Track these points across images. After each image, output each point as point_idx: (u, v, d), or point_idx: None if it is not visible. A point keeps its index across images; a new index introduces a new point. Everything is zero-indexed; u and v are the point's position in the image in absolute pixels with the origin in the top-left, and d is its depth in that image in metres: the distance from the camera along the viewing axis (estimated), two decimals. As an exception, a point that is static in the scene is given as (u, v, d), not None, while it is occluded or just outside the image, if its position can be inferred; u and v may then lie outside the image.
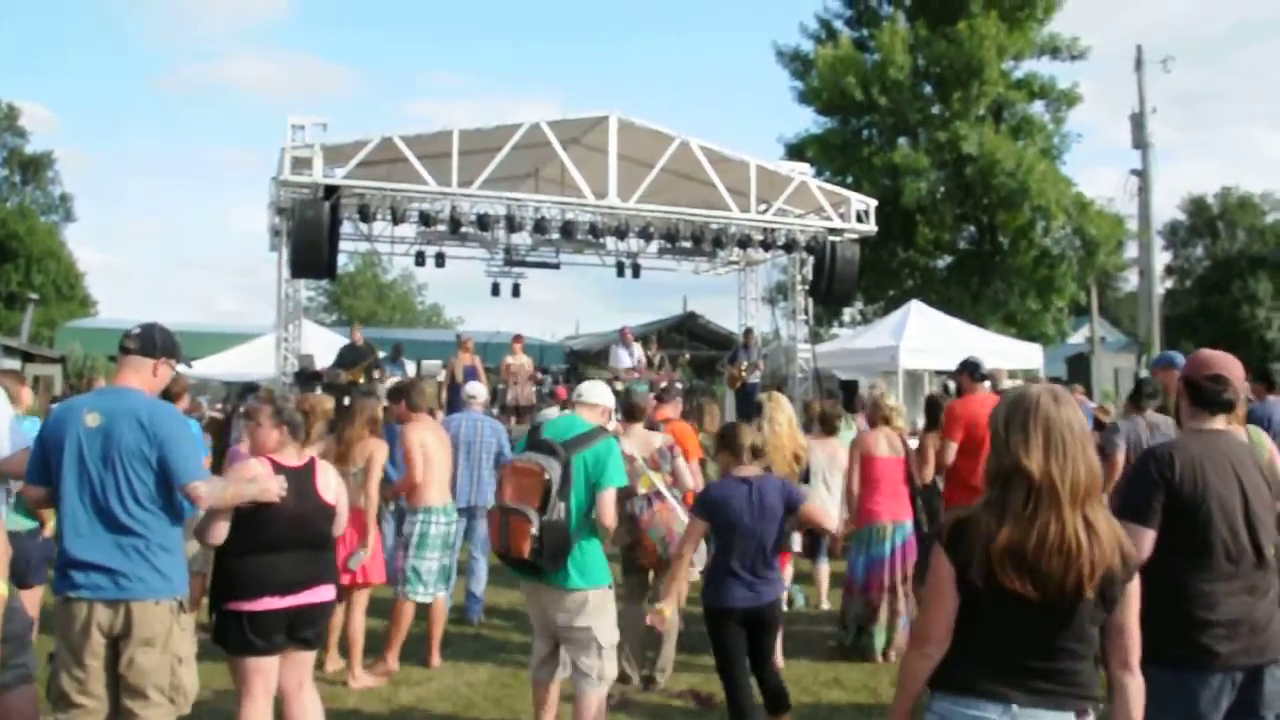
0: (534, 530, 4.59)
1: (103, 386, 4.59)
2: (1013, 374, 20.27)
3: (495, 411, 15.63)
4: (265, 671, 4.41)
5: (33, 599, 5.56)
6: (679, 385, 14.19)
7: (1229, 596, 3.36)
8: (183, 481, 4.00)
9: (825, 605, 8.42)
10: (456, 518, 6.99)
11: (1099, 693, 2.70)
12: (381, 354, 16.31)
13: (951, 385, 11.71)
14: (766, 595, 5.04)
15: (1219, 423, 3.57)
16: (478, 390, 8.58)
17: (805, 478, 7.47)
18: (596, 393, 5.30)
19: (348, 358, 15.39)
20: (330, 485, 4.61)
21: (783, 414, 7.03)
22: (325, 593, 4.53)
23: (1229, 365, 3.60)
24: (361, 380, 14.66)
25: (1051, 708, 2.60)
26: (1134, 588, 2.68)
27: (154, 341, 4.27)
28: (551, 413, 10.05)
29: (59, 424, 4.09)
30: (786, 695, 5.23)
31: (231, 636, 4.30)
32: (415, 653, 6.83)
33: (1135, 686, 2.74)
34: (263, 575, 4.30)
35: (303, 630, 4.47)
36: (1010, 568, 2.54)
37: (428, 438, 6.82)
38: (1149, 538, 3.35)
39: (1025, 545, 2.54)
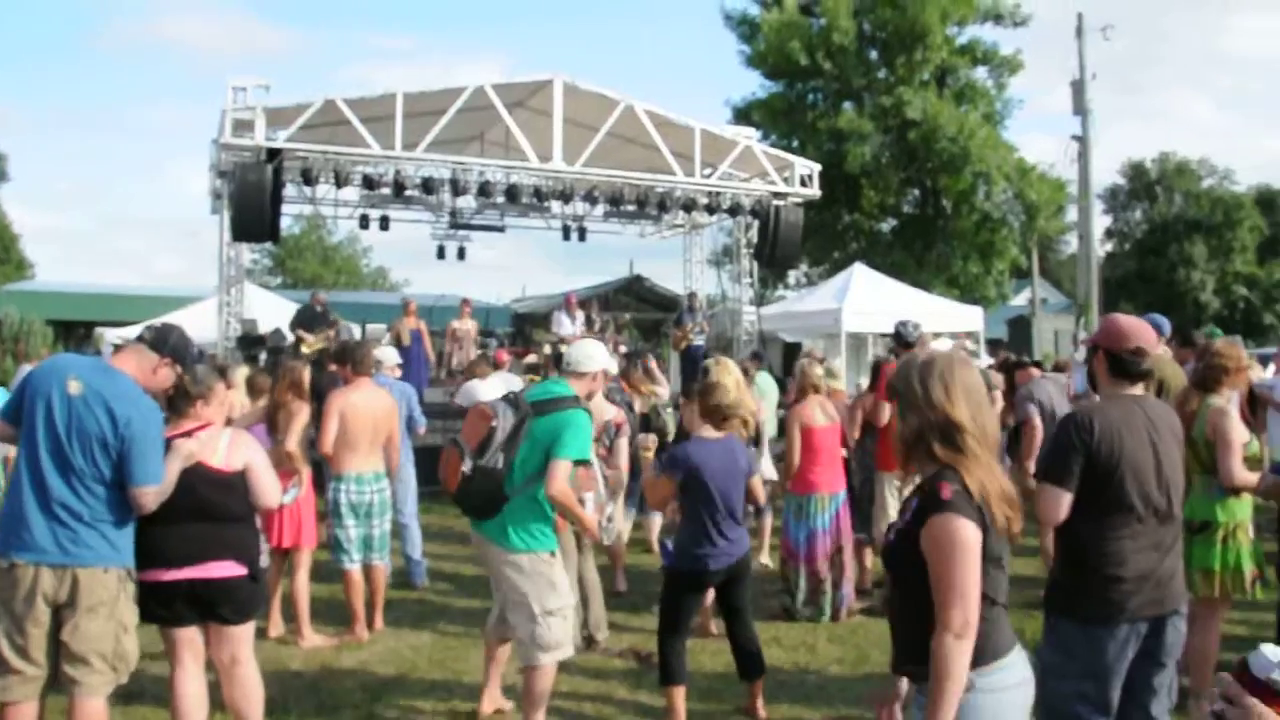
0: (465, 469, 4.66)
1: (101, 360, 4.54)
2: (954, 336, 20.68)
3: (442, 375, 15.66)
4: (186, 641, 4.39)
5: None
6: (622, 349, 14.26)
7: (1137, 553, 3.52)
8: (134, 484, 4.00)
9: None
10: (379, 486, 6.86)
11: None
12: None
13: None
14: (736, 552, 5.20)
15: (1138, 388, 3.73)
16: (387, 355, 8.54)
17: (755, 441, 7.57)
18: (587, 358, 5.10)
19: (308, 323, 14.87)
20: (218, 450, 4.36)
21: (730, 377, 7.04)
22: (225, 568, 4.34)
23: (1145, 334, 3.74)
24: (317, 347, 14.35)
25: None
26: None
27: (165, 340, 4.27)
28: (474, 385, 10.05)
29: (46, 375, 4.08)
30: (761, 660, 5.39)
31: (142, 605, 4.25)
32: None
33: None
34: (150, 547, 4.21)
35: (215, 607, 4.37)
36: (1010, 511, 2.67)
37: (355, 403, 6.74)
38: (1066, 499, 3.51)
39: (1004, 492, 2.67)
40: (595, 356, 5.15)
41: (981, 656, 2.62)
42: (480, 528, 4.85)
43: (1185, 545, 4.58)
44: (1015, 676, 2.71)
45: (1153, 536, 3.56)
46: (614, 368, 6.07)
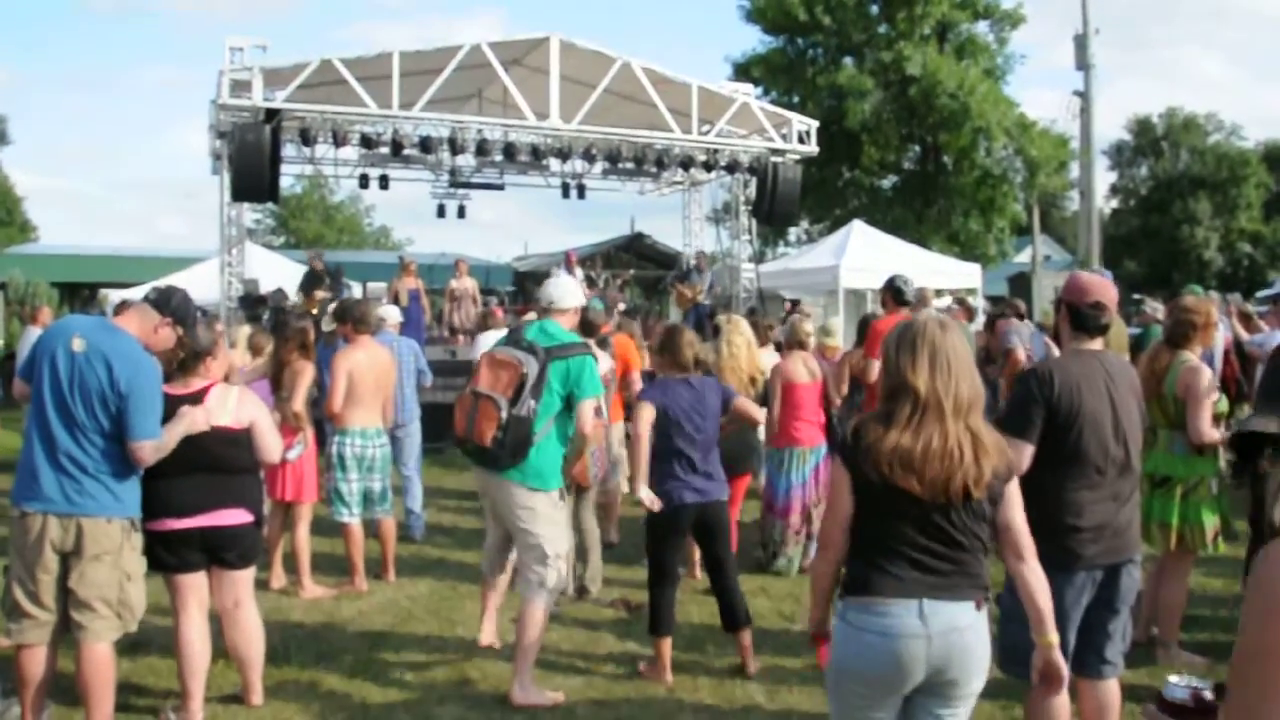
0: (502, 418, 4.76)
1: (105, 319, 4.73)
2: (954, 293, 20.75)
3: (444, 333, 15.80)
4: (192, 587, 4.60)
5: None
6: (622, 305, 14.35)
7: (1095, 504, 3.67)
8: (132, 438, 4.17)
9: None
10: (381, 441, 7.03)
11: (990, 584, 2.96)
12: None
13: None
14: (712, 492, 5.30)
15: (1096, 343, 3.85)
16: (390, 313, 8.72)
17: (763, 400, 7.66)
18: (568, 295, 5.31)
19: (306, 285, 15.06)
20: (228, 408, 4.61)
21: (740, 336, 7.14)
22: (234, 516, 4.62)
23: (1106, 291, 3.86)
24: (315, 310, 14.47)
25: (954, 598, 2.86)
26: (1014, 488, 2.99)
27: (169, 301, 4.44)
28: (488, 338, 10.22)
29: (53, 335, 4.27)
30: (746, 612, 5.46)
31: (149, 554, 4.46)
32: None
33: (1031, 575, 3.01)
34: (159, 498, 4.42)
35: (222, 552, 4.62)
36: (899, 468, 2.80)
37: (360, 361, 6.87)
38: (1028, 451, 3.63)
39: (912, 451, 2.81)
40: (574, 291, 5.40)
41: (849, 586, 2.92)
42: (502, 473, 4.97)
43: (1145, 498, 4.73)
44: (880, 624, 2.83)
45: (1111, 488, 3.70)
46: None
